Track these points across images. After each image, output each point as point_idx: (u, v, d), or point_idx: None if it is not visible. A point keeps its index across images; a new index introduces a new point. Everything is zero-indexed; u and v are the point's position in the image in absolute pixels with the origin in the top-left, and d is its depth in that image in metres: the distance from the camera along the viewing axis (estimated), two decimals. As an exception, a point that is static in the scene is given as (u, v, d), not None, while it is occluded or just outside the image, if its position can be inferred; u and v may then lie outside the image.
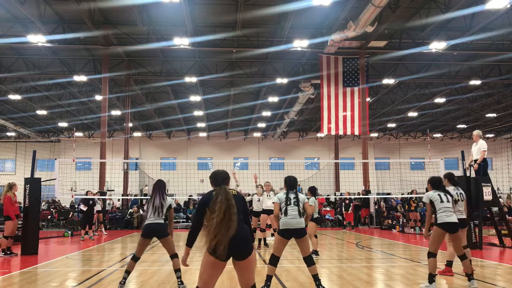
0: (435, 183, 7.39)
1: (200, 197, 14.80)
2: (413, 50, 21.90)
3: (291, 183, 7.12)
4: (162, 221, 7.14)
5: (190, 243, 4.50)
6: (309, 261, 6.81)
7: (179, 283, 7.06)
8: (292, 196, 6.99)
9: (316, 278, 6.84)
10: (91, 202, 17.43)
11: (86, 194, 18.15)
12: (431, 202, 7.18)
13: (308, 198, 10.51)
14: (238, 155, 41.78)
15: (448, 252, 8.10)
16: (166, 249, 7.30)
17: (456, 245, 7.17)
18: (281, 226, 6.86)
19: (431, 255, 6.97)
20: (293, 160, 38.93)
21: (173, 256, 7.19)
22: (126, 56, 24.48)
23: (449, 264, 8.10)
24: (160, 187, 7.28)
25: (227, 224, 4.17)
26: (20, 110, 33.03)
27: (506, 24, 20.07)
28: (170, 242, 7.22)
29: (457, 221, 7.10)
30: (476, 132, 13.18)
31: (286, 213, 6.84)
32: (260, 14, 18.91)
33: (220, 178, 4.76)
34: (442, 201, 7.12)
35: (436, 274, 7.16)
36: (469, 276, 7.01)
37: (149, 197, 7.28)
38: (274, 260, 6.85)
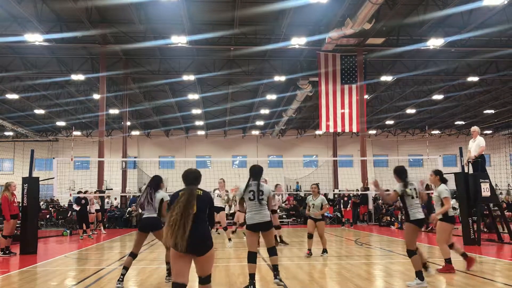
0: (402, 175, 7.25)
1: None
2: (410, 47, 21.91)
3: (255, 172, 7.18)
4: (155, 215, 7.48)
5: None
6: (272, 251, 7.09)
7: (167, 275, 7.61)
8: (254, 188, 7.05)
9: (275, 268, 7.15)
10: (83, 201, 17.34)
11: (84, 193, 18.12)
12: (403, 195, 7.10)
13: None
14: (237, 153, 41.77)
15: (445, 250, 8.10)
16: (161, 242, 7.54)
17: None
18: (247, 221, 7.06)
19: (412, 253, 6.91)
20: (291, 158, 38.92)
21: (167, 249, 7.27)
22: (123, 54, 24.43)
23: (449, 261, 8.11)
24: (151, 182, 7.62)
25: (183, 225, 4.40)
26: (17, 109, 32.95)
27: (504, 20, 20.07)
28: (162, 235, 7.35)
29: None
30: (475, 128, 13.22)
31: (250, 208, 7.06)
32: (257, 12, 18.90)
33: (190, 177, 4.88)
34: (413, 198, 7.10)
35: (426, 264, 7.39)
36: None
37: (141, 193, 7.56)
38: (251, 257, 6.90)
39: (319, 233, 10.71)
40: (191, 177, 4.89)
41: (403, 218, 21.23)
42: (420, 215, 7.03)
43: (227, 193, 13.78)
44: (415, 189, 7.16)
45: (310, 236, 10.71)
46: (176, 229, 4.40)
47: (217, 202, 13.41)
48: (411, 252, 6.89)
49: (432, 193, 19.92)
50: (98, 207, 19.87)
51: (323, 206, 10.59)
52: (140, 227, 7.60)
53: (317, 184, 11.01)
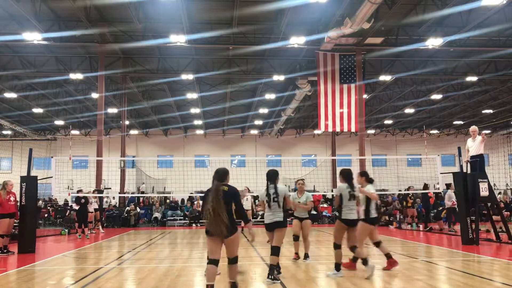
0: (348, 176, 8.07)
1: (198, 194, 15.31)
2: (409, 46, 21.92)
3: (270, 176, 7.71)
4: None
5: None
6: (274, 250, 7.46)
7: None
8: (271, 191, 7.60)
9: (271, 267, 7.40)
10: (83, 200, 17.27)
11: (78, 193, 17.97)
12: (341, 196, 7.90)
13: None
14: (235, 153, 41.76)
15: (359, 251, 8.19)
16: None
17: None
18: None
19: (337, 246, 7.94)
20: (290, 157, 38.90)
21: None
22: (122, 53, 24.39)
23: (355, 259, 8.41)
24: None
25: (214, 216, 5.78)
26: (16, 108, 32.89)
27: (502, 20, 20.08)
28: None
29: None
30: (475, 128, 13.25)
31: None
32: (256, 11, 18.88)
33: (219, 175, 6.15)
34: (349, 199, 7.86)
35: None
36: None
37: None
38: (273, 251, 7.45)
39: (304, 234, 9.83)
40: (219, 174, 6.15)
41: (401, 218, 21.31)
42: (351, 216, 7.88)
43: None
44: (353, 192, 7.94)
45: (296, 238, 9.89)
46: (209, 218, 5.80)
47: None
48: (336, 246, 7.92)
49: (430, 193, 20.00)
50: (97, 206, 19.84)
51: (307, 204, 9.86)
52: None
53: (303, 180, 10.22)
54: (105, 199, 23.76)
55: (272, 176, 7.69)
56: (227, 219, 5.77)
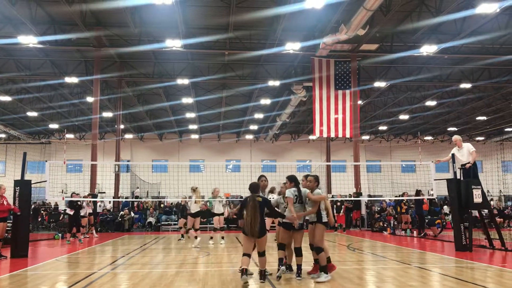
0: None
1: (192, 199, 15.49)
2: (404, 53, 22.07)
3: (295, 179, 8.34)
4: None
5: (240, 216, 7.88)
6: (298, 251, 8.18)
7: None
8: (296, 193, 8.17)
9: (298, 267, 8.09)
10: (76, 205, 17.12)
11: (71, 197, 17.79)
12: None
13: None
14: (230, 157, 41.75)
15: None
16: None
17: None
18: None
19: (281, 246, 8.24)
20: (285, 163, 38.95)
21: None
22: (118, 57, 24.39)
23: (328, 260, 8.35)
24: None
25: (252, 221, 7.44)
26: (10, 112, 32.76)
27: (496, 28, 20.28)
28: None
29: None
30: (457, 137, 13.37)
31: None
32: (252, 17, 18.96)
33: (253, 188, 7.82)
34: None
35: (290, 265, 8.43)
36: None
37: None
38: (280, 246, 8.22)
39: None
40: (253, 187, 7.81)
41: (395, 224, 21.37)
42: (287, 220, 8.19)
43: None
44: (296, 195, 8.20)
45: (282, 247, 8.28)
46: (249, 223, 7.44)
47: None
48: (280, 245, 8.25)
49: (425, 199, 20.03)
50: (91, 211, 19.73)
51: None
52: None
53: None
54: (98, 203, 23.65)
55: (296, 180, 8.32)
56: (260, 224, 7.46)
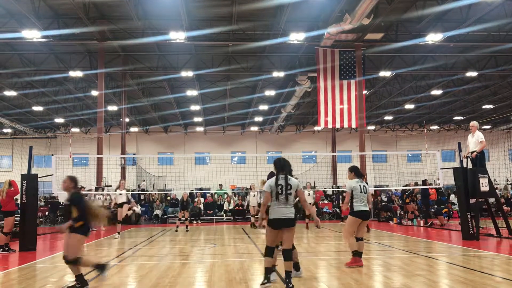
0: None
1: (198, 191, 15.44)
2: (409, 42, 21.87)
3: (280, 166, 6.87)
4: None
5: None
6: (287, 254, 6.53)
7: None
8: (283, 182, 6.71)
9: (287, 275, 6.50)
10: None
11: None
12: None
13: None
14: (236, 149, 41.77)
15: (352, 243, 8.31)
16: None
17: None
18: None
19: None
20: (290, 154, 38.90)
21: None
22: (122, 51, 24.36)
23: (355, 253, 8.32)
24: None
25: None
26: (16, 106, 32.88)
27: (502, 15, 20.05)
28: None
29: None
30: (474, 123, 13.23)
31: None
32: (256, 7, 18.84)
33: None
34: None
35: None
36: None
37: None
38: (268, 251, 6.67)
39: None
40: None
41: (402, 213, 21.29)
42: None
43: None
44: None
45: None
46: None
47: None
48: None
49: (433, 189, 19.97)
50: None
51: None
52: None
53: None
54: (105, 197, 23.76)
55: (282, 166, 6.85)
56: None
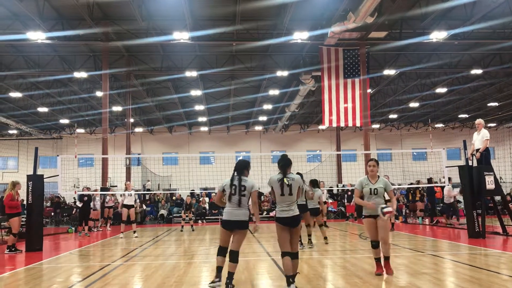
0: None
1: (203, 191, 15.47)
2: (413, 40, 21.80)
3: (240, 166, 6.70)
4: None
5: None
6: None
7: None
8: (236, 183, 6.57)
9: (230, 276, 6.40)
10: (85, 198, 17.51)
11: (82, 191, 18.21)
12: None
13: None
14: (240, 149, 41.79)
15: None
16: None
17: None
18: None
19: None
20: (295, 153, 38.86)
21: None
22: (126, 51, 24.42)
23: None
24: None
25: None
26: (21, 108, 33.04)
27: (507, 12, 19.93)
28: None
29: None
30: (480, 121, 13.18)
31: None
32: (259, 7, 18.83)
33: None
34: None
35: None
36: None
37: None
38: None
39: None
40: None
41: (407, 212, 21.23)
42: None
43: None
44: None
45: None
46: None
47: None
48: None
49: (439, 188, 19.91)
50: (112, 204, 20.22)
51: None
52: None
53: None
54: (108, 197, 23.90)
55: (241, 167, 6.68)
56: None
